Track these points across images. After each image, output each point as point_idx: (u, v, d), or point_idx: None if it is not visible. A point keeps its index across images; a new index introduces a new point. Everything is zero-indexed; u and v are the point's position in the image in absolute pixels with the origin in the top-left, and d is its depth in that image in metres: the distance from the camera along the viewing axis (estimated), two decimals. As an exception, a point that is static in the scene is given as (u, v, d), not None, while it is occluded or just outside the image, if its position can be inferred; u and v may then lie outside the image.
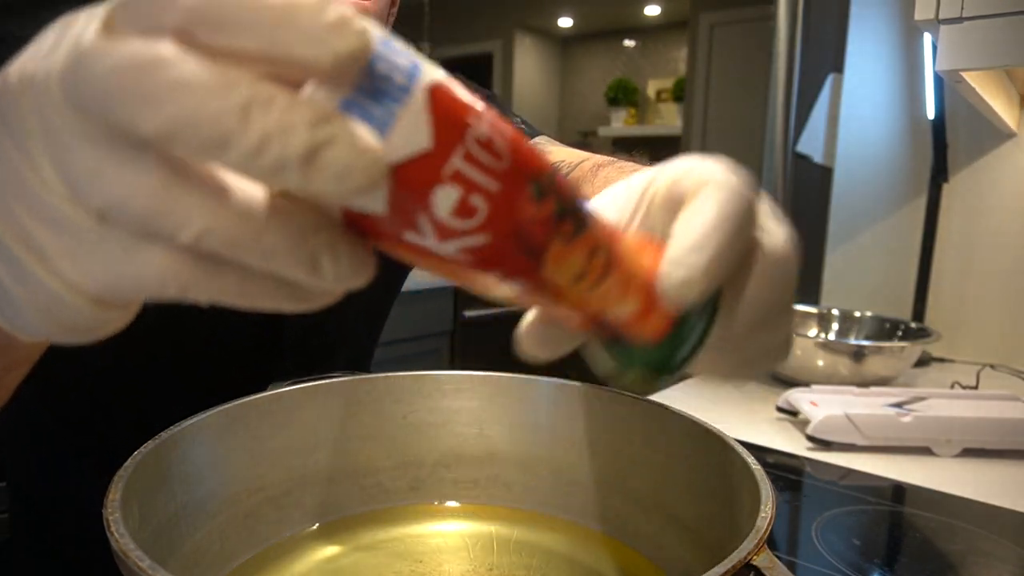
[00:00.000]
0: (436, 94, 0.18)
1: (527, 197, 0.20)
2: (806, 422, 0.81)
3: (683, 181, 0.27)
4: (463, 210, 0.19)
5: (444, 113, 0.18)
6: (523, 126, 0.67)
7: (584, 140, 4.77)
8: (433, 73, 0.18)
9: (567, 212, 0.22)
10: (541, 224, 0.21)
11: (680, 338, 0.25)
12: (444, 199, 0.18)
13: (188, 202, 0.17)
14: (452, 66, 0.71)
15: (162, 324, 0.54)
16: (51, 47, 0.18)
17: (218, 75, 0.16)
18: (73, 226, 0.18)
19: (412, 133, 0.18)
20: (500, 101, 0.71)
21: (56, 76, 0.17)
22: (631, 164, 0.56)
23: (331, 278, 0.19)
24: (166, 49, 0.16)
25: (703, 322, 0.25)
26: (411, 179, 0.18)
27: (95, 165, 0.17)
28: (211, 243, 0.17)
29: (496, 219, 0.19)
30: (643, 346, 0.25)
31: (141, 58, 0.16)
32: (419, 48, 0.59)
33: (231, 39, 0.16)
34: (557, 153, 0.62)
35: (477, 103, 0.19)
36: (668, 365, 0.26)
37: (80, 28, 0.17)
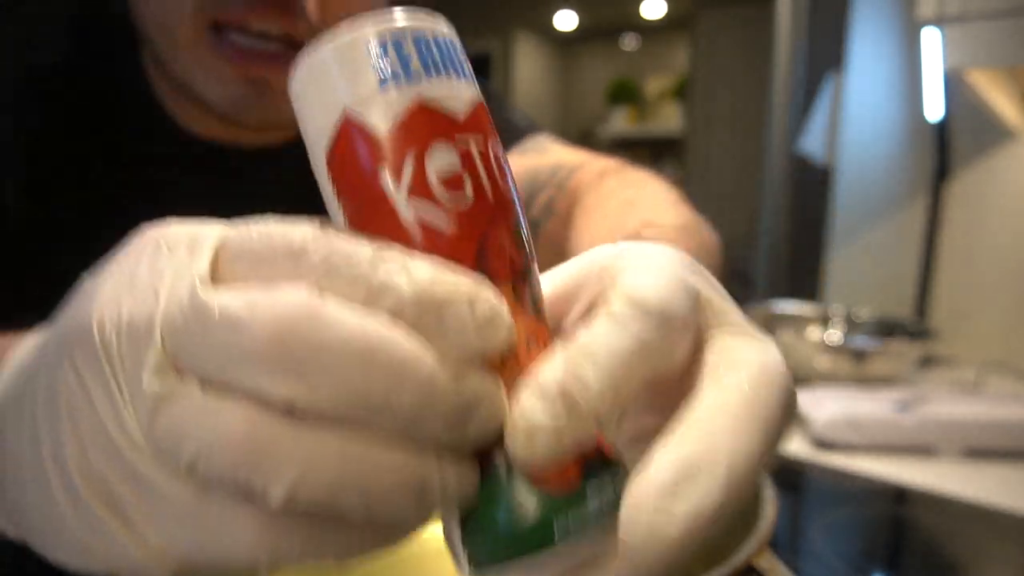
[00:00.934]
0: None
1: (507, 226, 0.20)
2: (808, 423, 0.81)
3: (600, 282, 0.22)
4: (452, 179, 0.19)
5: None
6: (523, 121, 0.66)
7: (584, 139, 4.77)
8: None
9: (529, 277, 0.20)
10: (506, 255, 0.19)
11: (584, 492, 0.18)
12: (440, 158, 0.19)
13: (280, 447, 0.16)
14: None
15: None
16: (147, 289, 0.18)
17: (364, 339, 0.16)
18: (159, 488, 0.17)
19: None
20: (499, 96, 0.70)
21: (160, 326, 0.17)
22: (636, 174, 0.54)
23: (437, 504, 0.17)
24: (300, 305, 0.16)
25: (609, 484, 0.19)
26: (424, 121, 0.19)
27: (184, 413, 0.17)
28: (308, 492, 0.16)
29: (471, 214, 0.19)
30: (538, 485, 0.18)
31: (257, 322, 0.16)
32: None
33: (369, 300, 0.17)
34: (556, 152, 0.61)
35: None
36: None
37: (185, 273, 0.18)
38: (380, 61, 0.19)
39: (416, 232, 0.18)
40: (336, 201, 0.20)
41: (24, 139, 0.46)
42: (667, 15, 4.14)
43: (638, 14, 4.18)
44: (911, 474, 0.73)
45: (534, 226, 0.57)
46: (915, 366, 1.04)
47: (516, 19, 4.31)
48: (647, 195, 0.48)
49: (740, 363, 0.18)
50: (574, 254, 0.46)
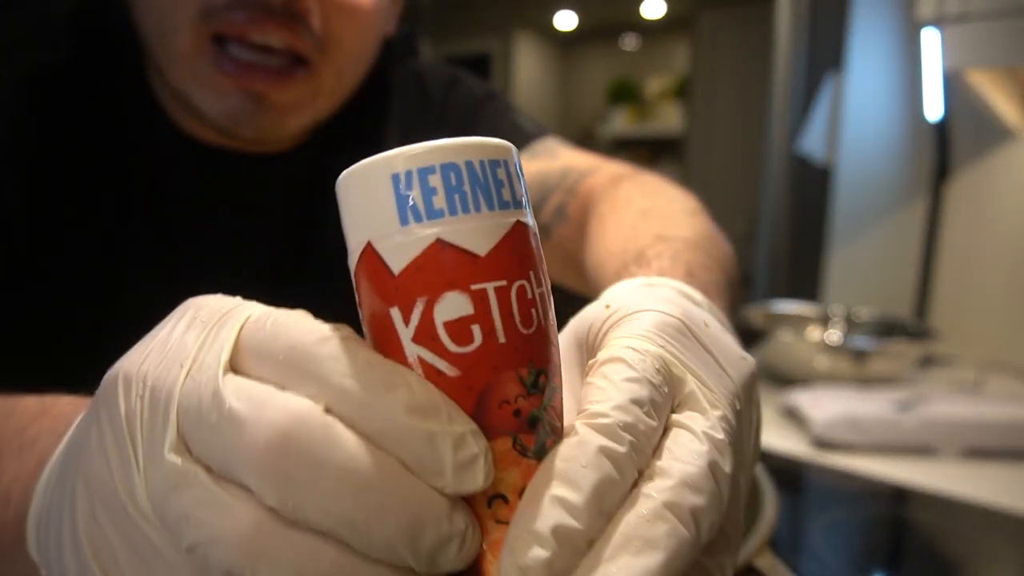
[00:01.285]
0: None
1: (516, 374, 0.19)
2: (808, 423, 0.81)
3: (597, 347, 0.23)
4: (461, 327, 0.18)
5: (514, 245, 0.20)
6: (532, 125, 0.65)
7: (584, 139, 4.76)
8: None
9: (538, 425, 0.20)
10: (510, 407, 0.19)
11: None
12: (450, 306, 0.18)
13: (279, 552, 0.17)
14: (453, 64, 0.70)
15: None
16: (174, 359, 0.19)
17: (365, 467, 0.17)
18: (160, 559, 0.18)
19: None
20: (507, 100, 0.69)
21: (177, 405, 0.18)
22: (652, 180, 0.53)
23: None
24: (315, 420, 0.17)
25: None
26: (440, 264, 0.19)
27: (196, 500, 0.17)
28: None
29: (476, 362, 0.19)
30: None
31: (276, 432, 0.17)
32: (420, 44, 0.54)
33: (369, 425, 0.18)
34: (566, 156, 0.60)
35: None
36: None
37: (210, 351, 0.19)
38: (403, 194, 0.19)
39: (418, 373, 0.19)
40: (359, 311, 0.20)
41: (25, 139, 0.46)
42: (667, 15, 4.13)
43: (638, 14, 4.18)
44: (911, 474, 0.73)
45: (544, 231, 0.56)
46: (915, 366, 1.04)
47: (516, 19, 4.31)
48: (662, 205, 0.47)
49: (667, 472, 0.19)
50: (590, 265, 0.45)
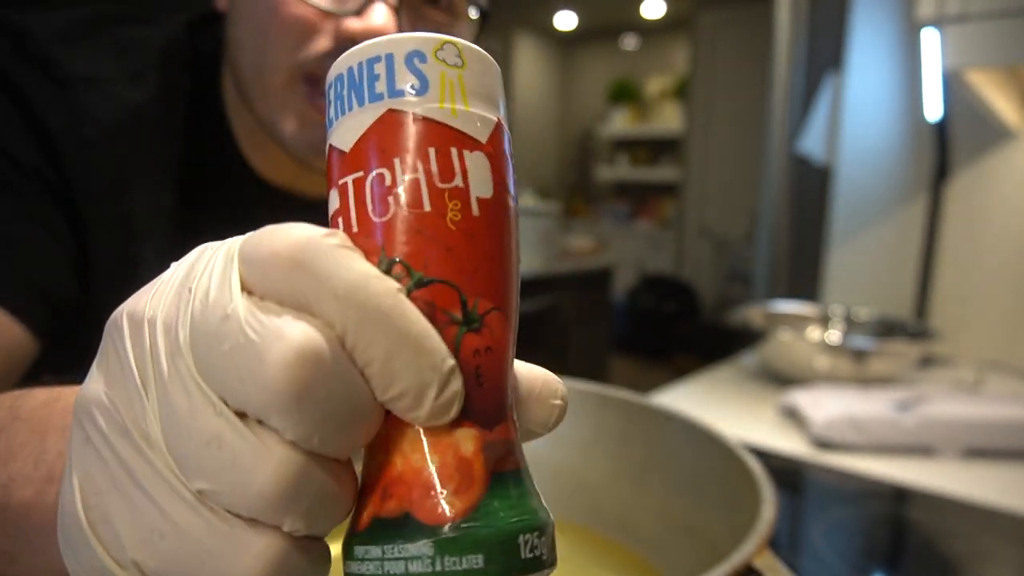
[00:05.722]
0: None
1: (372, 252, 0.20)
2: (808, 423, 0.81)
3: None
4: (333, 222, 0.20)
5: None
6: None
7: (584, 139, 4.76)
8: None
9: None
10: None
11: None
12: (331, 201, 0.20)
13: (309, 488, 0.17)
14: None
15: None
16: (183, 289, 0.18)
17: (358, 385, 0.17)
18: (166, 496, 0.16)
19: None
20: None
21: (189, 334, 0.17)
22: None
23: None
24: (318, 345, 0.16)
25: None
26: (331, 164, 0.21)
27: (217, 437, 0.16)
28: (319, 527, 0.17)
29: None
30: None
31: (290, 357, 0.16)
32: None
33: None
34: None
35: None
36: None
37: (219, 277, 0.17)
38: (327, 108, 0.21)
39: None
40: None
41: (113, 178, 0.48)
42: (667, 15, 4.13)
43: (638, 14, 4.18)
44: (911, 474, 0.73)
45: None
46: (915, 366, 1.04)
47: (516, 19, 4.30)
48: None
49: None
50: None
